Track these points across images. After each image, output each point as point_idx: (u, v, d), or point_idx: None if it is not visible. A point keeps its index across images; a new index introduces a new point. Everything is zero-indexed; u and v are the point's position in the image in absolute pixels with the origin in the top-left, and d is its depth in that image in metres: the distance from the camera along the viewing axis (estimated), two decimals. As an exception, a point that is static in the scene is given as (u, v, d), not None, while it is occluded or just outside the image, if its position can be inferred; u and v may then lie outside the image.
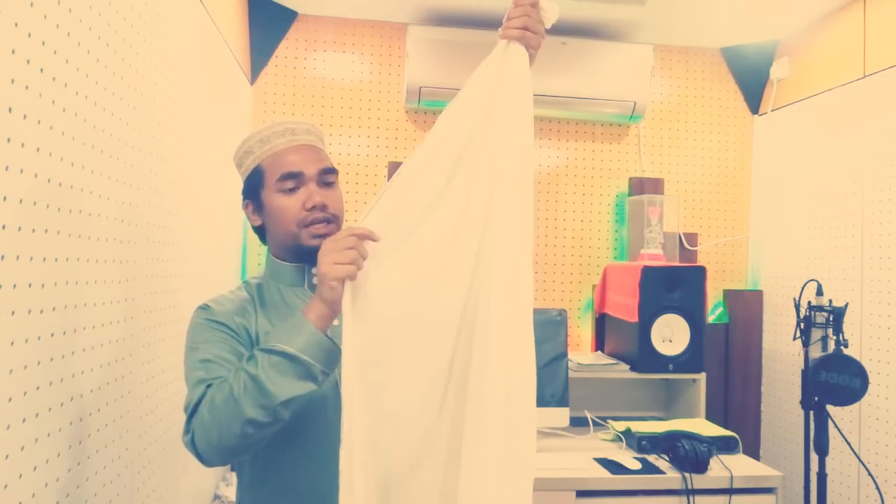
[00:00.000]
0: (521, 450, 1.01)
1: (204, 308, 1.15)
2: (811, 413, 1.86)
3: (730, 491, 1.89)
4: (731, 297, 2.84)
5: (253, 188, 1.21)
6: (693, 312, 2.38)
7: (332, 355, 1.02)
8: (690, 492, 1.87)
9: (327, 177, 1.20)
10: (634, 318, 2.37)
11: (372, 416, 1.04)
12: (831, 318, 1.86)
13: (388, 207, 1.07)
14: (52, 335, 0.97)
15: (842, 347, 1.82)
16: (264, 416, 0.96)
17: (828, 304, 1.88)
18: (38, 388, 0.93)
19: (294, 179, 1.17)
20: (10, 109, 0.84)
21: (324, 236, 1.12)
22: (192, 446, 1.00)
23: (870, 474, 1.96)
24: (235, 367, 1.02)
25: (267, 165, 1.19)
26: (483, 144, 1.09)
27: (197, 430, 1.00)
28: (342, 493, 0.97)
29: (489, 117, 1.09)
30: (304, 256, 1.18)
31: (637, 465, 1.95)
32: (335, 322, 1.07)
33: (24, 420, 0.89)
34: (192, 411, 1.01)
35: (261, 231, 1.25)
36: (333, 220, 1.19)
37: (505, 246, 1.05)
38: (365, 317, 1.05)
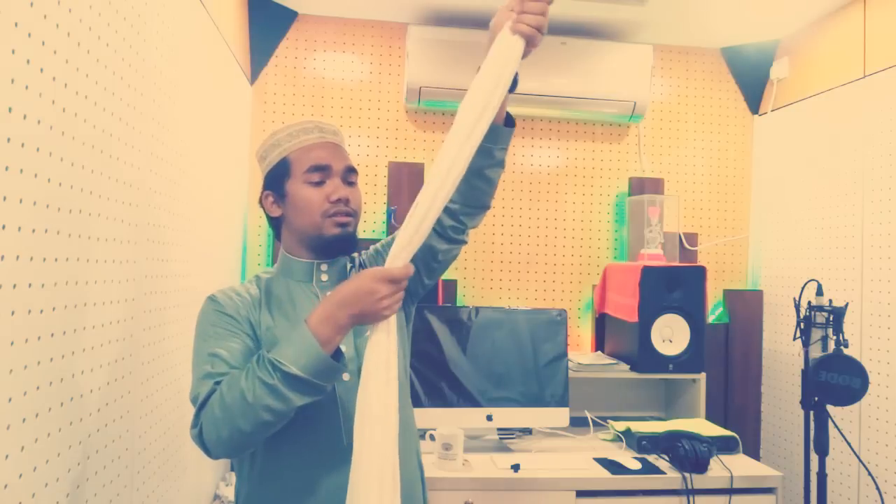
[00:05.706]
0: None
1: (212, 299, 1.19)
2: (811, 413, 1.86)
3: (730, 491, 1.89)
4: (731, 297, 2.84)
5: (276, 179, 1.23)
6: (693, 312, 2.38)
7: (336, 372, 1.05)
8: (690, 492, 1.87)
9: (351, 175, 1.25)
10: (634, 318, 2.37)
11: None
12: (831, 318, 1.86)
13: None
14: (53, 335, 0.97)
15: (842, 347, 1.82)
16: (275, 417, 1.02)
17: (828, 304, 1.88)
18: (38, 388, 0.93)
19: (321, 172, 1.20)
20: (10, 109, 0.83)
21: (345, 225, 1.19)
22: (200, 440, 1.05)
23: (870, 474, 1.96)
24: (245, 368, 1.05)
25: (295, 158, 1.22)
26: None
27: (206, 425, 1.03)
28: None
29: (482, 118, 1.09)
30: (319, 249, 1.22)
31: (637, 465, 1.95)
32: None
33: (24, 420, 0.89)
34: (201, 406, 1.05)
35: (277, 223, 1.27)
36: (353, 215, 1.23)
37: None
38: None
